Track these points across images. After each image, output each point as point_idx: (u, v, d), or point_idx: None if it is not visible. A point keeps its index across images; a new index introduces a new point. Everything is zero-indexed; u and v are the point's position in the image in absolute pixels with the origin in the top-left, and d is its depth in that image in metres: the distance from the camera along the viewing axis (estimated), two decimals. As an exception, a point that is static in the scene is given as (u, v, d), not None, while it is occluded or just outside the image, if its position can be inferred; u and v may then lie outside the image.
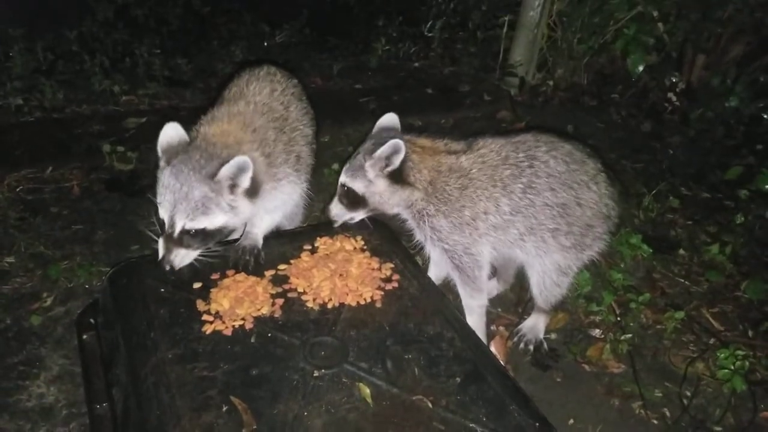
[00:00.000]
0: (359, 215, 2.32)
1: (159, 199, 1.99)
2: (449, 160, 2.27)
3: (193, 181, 1.93)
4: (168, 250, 1.98)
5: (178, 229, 1.96)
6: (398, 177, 2.22)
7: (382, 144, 2.16)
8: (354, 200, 2.27)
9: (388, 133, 2.30)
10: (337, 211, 2.31)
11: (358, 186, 2.24)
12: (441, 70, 5.39)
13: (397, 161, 2.17)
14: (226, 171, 1.94)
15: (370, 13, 5.85)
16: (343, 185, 2.27)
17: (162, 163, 2.01)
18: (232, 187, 2.00)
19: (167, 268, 1.98)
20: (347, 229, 2.35)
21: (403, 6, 5.78)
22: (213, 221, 1.99)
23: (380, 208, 2.32)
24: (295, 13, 5.57)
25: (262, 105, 2.31)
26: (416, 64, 5.48)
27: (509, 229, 2.28)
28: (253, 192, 2.06)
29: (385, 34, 5.46)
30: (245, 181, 2.00)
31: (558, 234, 2.31)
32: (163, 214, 1.98)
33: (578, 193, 2.29)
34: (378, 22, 5.67)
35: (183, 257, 2.01)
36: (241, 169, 1.96)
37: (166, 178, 1.96)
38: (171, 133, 2.03)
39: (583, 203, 2.30)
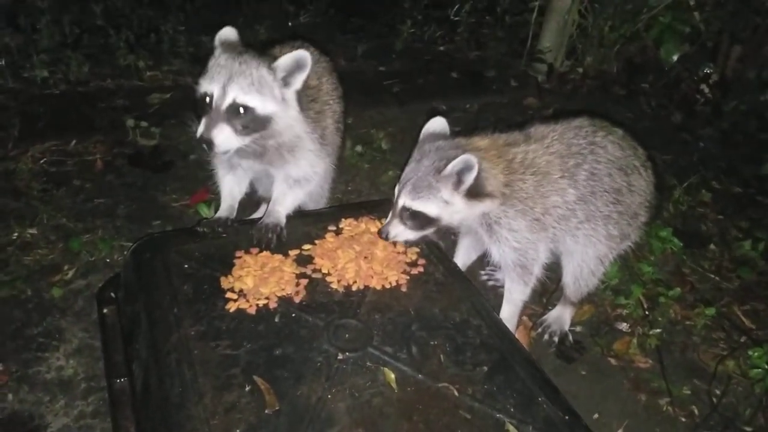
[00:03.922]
0: (424, 233, 2.13)
1: (209, 75, 1.95)
2: (518, 156, 2.13)
3: (253, 61, 1.95)
4: (210, 125, 1.91)
5: (228, 101, 1.91)
6: (475, 191, 2.03)
7: (448, 159, 1.98)
8: (423, 222, 2.08)
9: (440, 140, 2.13)
10: (398, 232, 2.09)
11: (430, 209, 2.04)
12: (467, 55, 5.28)
13: (470, 178, 1.98)
14: (283, 61, 1.97)
15: (395, -6, 5.76)
16: (408, 209, 2.06)
17: (217, 52, 2.01)
18: (286, 80, 2.01)
19: (206, 144, 1.91)
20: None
21: (429, -12, 5.68)
22: (265, 105, 1.97)
23: (453, 225, 2.17)
24: (320, -7, 5.50)
25: None
26: (442, 48, 5.38)
27: (571, 219, 2.21)
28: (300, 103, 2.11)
29: (410, 17, 5.35)
30: (298, 82, 2.04)
31: (609, 222, 2.26)
32: (214, 87, 1.92)
33: (631, 179, 2.26)
34: (404, 5, 5.56)
35: (225, 136, 1.93)
36: (299, 66, 1.99)
37: (221, 60, 1.96)
38: (228, 33, 2.06)
39: (634, 190, 2.28)
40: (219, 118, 1.91)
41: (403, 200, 2.06)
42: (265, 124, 2.00)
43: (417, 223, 2.08)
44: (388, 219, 2.12)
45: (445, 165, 1.98)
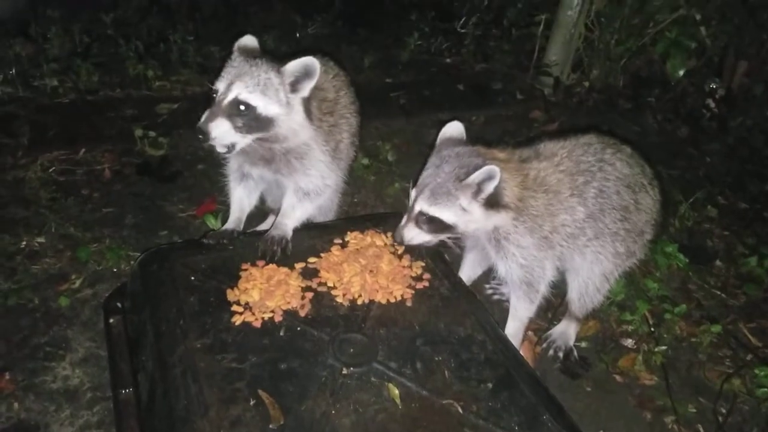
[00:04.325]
0: (439, 239, 2.13)
1: (223, 74, 2.02)
2: (531, 173, 2.13)
3: (263, 64, 1.99)
4: (209, 118, 1.94)
5: (231, 97, 1.94)
6: (493, 201, 2.03)
7: (469, 166, 1.99)
8: (439, 228, 2.07)
9: (458, 145, 2.12)
10: (413, 235, 2.09)
11: (447, 215, 2.03)
12: (473, 67, 5.30)
13: (490, 187, 1.98)
14: (292, 66, 2.00)
15: (402, 7, 5.80)
16: (424, 214, 2.05)
17: (234, 55, 2.06)
18: (294, 85, 2.03)
19: (202, 134, 1.93)
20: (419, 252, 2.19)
21: (435, 1, 5.71)
22: (267, 106, 1.99)
23: (467, 233, 2.16)
24: (327, 4, 5.54)
25: None
26: (448, 60, 5.40)
27: (580, 237, 2.21)
28: (307, 111, 2.12)
29: (417, 29, 5.39)
30: (306, 89, 2.05)
31: (616, 239, 2.27)
32: (221, 84, 1.98)
33: (638, 196, 2.27)
34: (410, 17, 5.61)
35: (222, 129, 1.95)
36: (307, 72, 2.01)
37: (235, 62, 2.02)
38: (248, 41, 2.13)
39: (641, 207, 2.28)
40: (219, 112, 1.95)
41: (420, 205, 2.05)
42: (267, 125, 2.02)
43: (432, 227, 2.08)
44: (403, 222, 2.11)
45: (466, 173, 1.98)
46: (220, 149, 2.02)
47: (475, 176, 1.96)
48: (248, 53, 2.07)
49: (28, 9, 4.36)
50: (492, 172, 1.95)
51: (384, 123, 4.16)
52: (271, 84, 1.99)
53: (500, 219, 2.08)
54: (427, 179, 2.06)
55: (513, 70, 5.18)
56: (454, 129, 2.19)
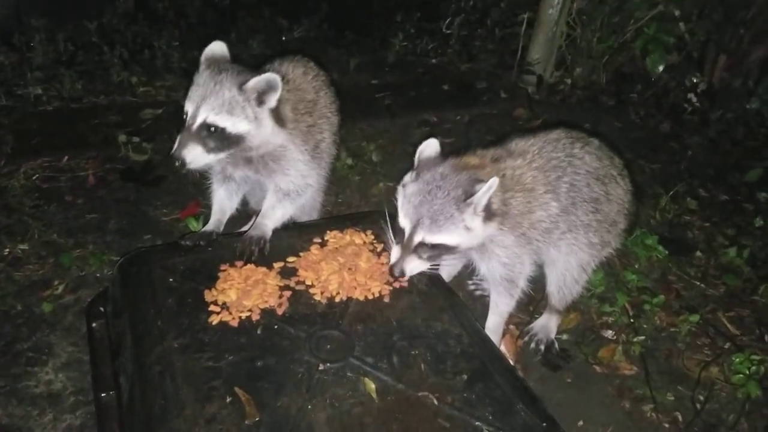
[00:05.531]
0: (440, 262, 2.12)
1: (189, 92, 2.04)
2: (507, 172, 2.12)
3: (227, 81, 2.01)
4: (182, 144, 1.99)
5: (199, 121, 1.98)
6: (489, 212, 2.02)
7: (464, 185, 1.96)
8: (442, 252, 2.04)
9: (435, 164, 2.06)
10: (413, 266, 2.04)
11: (453, 238, 1.99)
12: (458, 67, 5.34)
13: (485, 199, 1.96)
14: (254, 83, 2.02)
15: (388, 8, 5.82)
16: (427, 243, 2.00)
17: (201, 68, 2.09)
18: (259, 99, 2.06)
19: (178, 161, 1.99)
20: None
21: (421, 2, 5.75)
22: (236, 124, 2.02)
23: (471, 249, 2.12)
24: (313, 7, 5.57)
25: (291, 82, 2.33)
26: (433, 61, 5.44)
27: (554, 231, 2.23)
28: (278, 119, 2.14)
29: (402, 30, 5.42)
30: (272, 101, 2.08)
31: (589, 230, 2.30)
32: (189, 107, 2.02)
33: (608, 188, 2.30)
34: (396, 18, 5.65)
35: (195, 154, 2.00)
36: (270, 87, 2.04)
37: (201, 78, 2.04)
38: (216, 48, 2.16)
39: (612, 198, 2.32)
40: (191, 137, 2.00)
41: (422, 236, 1.99)
42: (238, 141, 2.07)
43: (434, 254, 2.05)
44: (397, 256, 2.04)
45: (465, 191, 1.95)
46: (194, 169, 2.07)
47: (481, 193, 1.93)
48: (215, 64, 2.08)
49: (11, 18, 4.37)
50: (492, 184, 1.93)
51: (369, 124, 4.19)
52: (236, 102, 2.02)
53: (494, 226, 2.08)
54: (421, 210, 1.99)
55: (497, 70, 5.23)
56: (431, 147, 2.13)
